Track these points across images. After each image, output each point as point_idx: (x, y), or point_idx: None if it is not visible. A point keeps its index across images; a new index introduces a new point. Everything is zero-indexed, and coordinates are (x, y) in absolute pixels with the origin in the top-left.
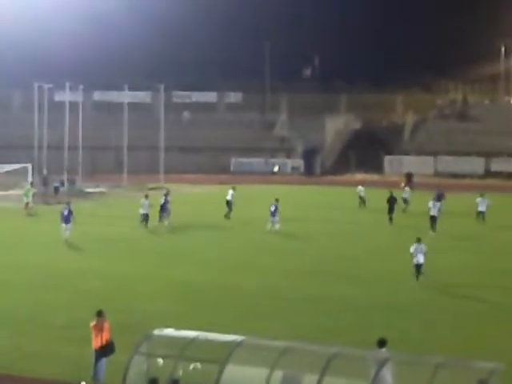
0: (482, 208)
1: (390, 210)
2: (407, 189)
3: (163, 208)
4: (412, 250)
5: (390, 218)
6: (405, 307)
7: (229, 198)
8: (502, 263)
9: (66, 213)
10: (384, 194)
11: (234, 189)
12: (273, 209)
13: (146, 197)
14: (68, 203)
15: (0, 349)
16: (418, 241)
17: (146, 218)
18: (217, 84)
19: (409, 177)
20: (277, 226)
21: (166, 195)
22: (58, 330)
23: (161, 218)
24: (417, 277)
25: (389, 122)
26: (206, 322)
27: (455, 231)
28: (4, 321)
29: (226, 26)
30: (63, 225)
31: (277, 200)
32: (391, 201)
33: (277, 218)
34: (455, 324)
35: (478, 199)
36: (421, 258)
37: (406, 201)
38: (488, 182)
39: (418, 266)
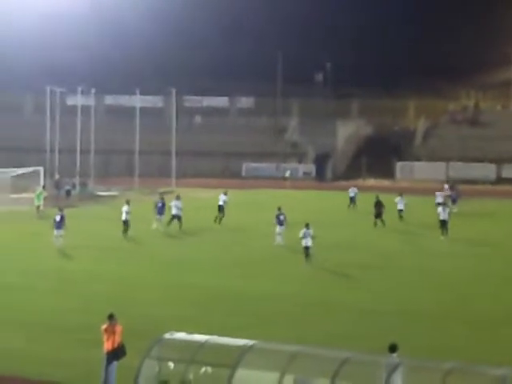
0: (400, 206)
1: (378, 215)
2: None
3: (161, 212)
4: (301, 234)
5: (376, 222)
6: (416, 313)
7: (221, 203)
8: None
9: (58, 219)
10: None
11: (225, 194)
12: (282, 218)
13: (128, 203)
14: (61, 209)
15: (12, 352)
16: (307, 226)
17: (126, 224)
18: (229, 89)
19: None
20: (281, 239)
21: (162, 199)
22: (69, 333)
23: (158, 220)
24: (306, 258)
25: (400, 127)
26: (216, 326)
27: (468, 236)
28: (16, 325)
29: (238, 30)
30: (55, 231)
31: (279, 208)
32: (378, 205)
33: (284, 228)
34: (466, 329)
35: (397, 199)
36: (309, 242)
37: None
38: (499, 188)
39: (307, 248)
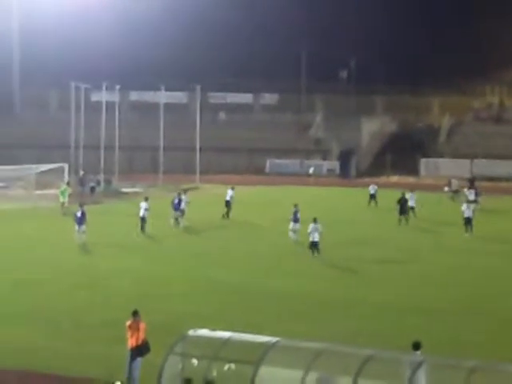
0: (411, 203)
1: (402, 212)
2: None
3: (177, 208)
4: (309, 229)
5: (400, 220)
6: (439, 310)
7: (228, 198)
8: None
9: (79, 214)
10: (420, 197)
11: (232, 189)
12: (298, 215)
13: (146, 199)
14: (81, 205)
15: (35, 347)
16: (315, 221)
17: (143, 221)
18: (253, 85)
19: (472, 181)
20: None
21: (179, 194)
22: (92, 329)
23: (176, 218)
24: (312, 252)
25: (425, 124)
26: (240, 323)
27: (492, 234)
28: (39, 320)
29: (262, 27)
30: (77, 227)
31: (296, 205)
32: (402, 202)
33: (299, 225)
34: (488, 328)
35: (408, 195)
36: (316, 237)
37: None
38: None
39: (314, 243)
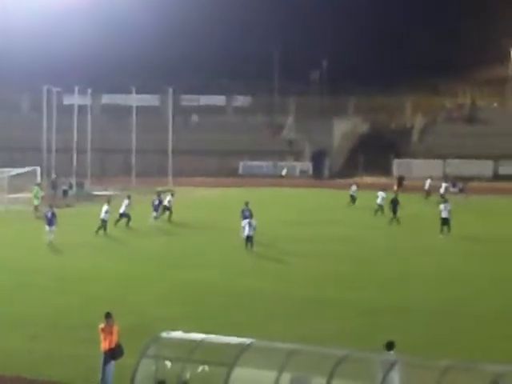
0: (380, 201)
1: (394, 212)
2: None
3: (157, 208)
4: (243, 224)
5: (396, 219)
6: (414, 310)
7: (122, 210)
8: (504, 268)
9: (49, 215)
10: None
11: (129, 198)
12: (247, 213)
13: (108, 202)
14: (51, 206)
15: (11, 351)
16: (251, 217)
17: (103, 223)
18: (225, 87)
19: (400, 180)
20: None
21: (159, 195)
22: (67, 332)
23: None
24: (248, 246)
25: (397, 124)
26: (214, 324)
27: (464, 234)
28: (15, 323)
29: (234, 28)
30: (46, 227)
31: (246, 204)
32: (394, 202)
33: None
34: (459, 326)
35: (379, 193)
36: (251, 231)
37: None
38: (496, 185)
39: (249, 238)
